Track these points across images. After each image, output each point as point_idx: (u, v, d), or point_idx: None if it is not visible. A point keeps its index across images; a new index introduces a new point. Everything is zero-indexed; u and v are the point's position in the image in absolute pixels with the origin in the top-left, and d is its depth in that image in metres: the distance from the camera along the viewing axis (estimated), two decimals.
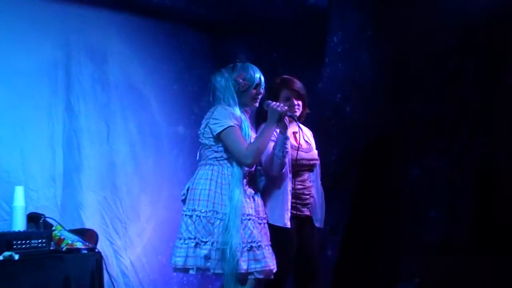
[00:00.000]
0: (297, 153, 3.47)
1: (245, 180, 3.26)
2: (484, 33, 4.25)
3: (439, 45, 4.40)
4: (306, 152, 3.56)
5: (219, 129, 3.21)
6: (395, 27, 4.54)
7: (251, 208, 3.24)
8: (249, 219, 3.20)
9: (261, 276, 3.20)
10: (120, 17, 4.52)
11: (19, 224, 3.35)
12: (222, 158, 3.25)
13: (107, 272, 3.49)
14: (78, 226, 3.98)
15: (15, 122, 3.94)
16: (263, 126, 3.36)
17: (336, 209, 4.43)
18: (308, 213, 3.59)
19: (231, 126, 3.20)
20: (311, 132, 3.79)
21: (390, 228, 4.52)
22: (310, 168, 3.61)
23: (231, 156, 3.23)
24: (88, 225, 4.08)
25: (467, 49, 4.34)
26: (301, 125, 3.57)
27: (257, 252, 3.18)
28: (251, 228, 3.19)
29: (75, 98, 4.23)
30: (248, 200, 3.24)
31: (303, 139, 3.61)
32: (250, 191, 3.29)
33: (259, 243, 3.19)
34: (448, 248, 4.25)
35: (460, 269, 4.10)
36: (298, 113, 3.56)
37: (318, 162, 3.67)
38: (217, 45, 5.12)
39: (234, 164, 3.23)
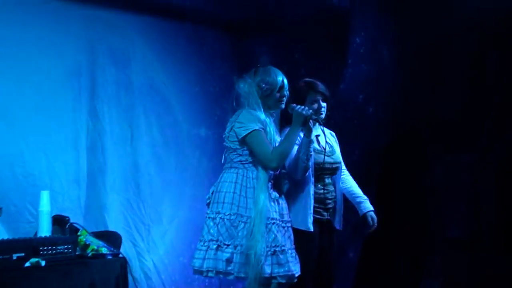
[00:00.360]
0: (324, 157, 3.44)
1: (269, 184, 3.24)
2: (509, 31, 4.19)
3: (462, 43, 4.35)
4: (328, 156, 3.52)
5: (244, 133, 3.20)
6: (418, 27, 4.50)
7: (275, 211, 3.23)
8: (273, 223, 3.19)
9: (283, 281, 3.19)
10: (141, 20, 4.53)
11: (45, 229, 3.35)
12: (247, 162, 3.24)
13: (131, 276, 3.49)
14: (101, 228, 4.01)
15: (40, 126, 3.97)
16: (287, 129, 3.33)
17: None
18: (328, 217, 3.56)
19: (256, 129, 3.19)
20: (334, 134, 3.76)
21: (413, 226, 4.50)
22: (332, 171, 3.57)
23: (256, 160, 3.22)
24: (111, 227, 4.10)
25: (491, 47, 4.29)
26: (324, 128, 3.55)
27: (281, 256, 3.17)
28: (275, 232, 3.18)
29: (99, 101, 4.26)
30: (272, 203, 3.23)
31: (325, 142, 3.57)
32: (274, 194, 3.27)
33: (282, 247, 3.18)
34: (473, 245, 4.22)
35: (485, 267, 4.06)
36: (323, 116, 3.53)
37: (340, 166, 3.63)
38: (238, 45, 5.10)
39: (259, 167, 3.21)
